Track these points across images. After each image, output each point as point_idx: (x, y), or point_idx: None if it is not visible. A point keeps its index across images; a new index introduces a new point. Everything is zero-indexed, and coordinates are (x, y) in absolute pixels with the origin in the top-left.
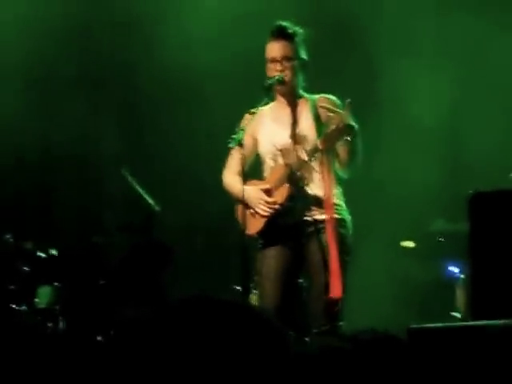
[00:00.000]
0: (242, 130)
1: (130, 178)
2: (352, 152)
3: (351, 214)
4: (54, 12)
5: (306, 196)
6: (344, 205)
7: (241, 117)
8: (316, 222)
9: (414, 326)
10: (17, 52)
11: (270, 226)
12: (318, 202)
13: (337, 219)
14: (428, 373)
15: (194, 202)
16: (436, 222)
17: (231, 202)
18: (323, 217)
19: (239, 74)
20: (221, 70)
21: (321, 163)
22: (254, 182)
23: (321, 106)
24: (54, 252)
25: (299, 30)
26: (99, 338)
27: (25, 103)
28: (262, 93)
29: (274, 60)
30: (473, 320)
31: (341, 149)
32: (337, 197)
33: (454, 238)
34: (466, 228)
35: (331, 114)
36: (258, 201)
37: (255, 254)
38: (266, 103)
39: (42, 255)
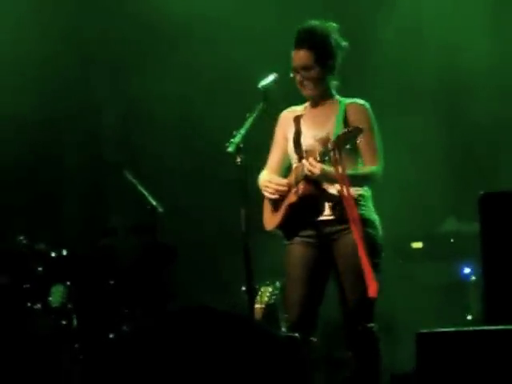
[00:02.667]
0: (240, 133)
1: (132, 180)
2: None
3: None
4: None
5: (325, 195)
6: (371, 205)
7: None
8: (339, 221)
9: (423, 330)
10: None
11: (290, 222)
12: (336, 202)
13: (362, 219)
14: (438, 378)
15: (195, 202)
16: (447, 222)
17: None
18: (337, 217)
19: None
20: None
21: (335, 163)
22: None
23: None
24: (65, 253)
25: (327, 30)
26: (111, 336)
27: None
28: (260, 96)
29: (294, 70)
30: (486, 323)
31: (364, 148)
32: (362, 197)
33: (467, 238)
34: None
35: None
36: (266, 183)
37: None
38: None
39: (55, 255)
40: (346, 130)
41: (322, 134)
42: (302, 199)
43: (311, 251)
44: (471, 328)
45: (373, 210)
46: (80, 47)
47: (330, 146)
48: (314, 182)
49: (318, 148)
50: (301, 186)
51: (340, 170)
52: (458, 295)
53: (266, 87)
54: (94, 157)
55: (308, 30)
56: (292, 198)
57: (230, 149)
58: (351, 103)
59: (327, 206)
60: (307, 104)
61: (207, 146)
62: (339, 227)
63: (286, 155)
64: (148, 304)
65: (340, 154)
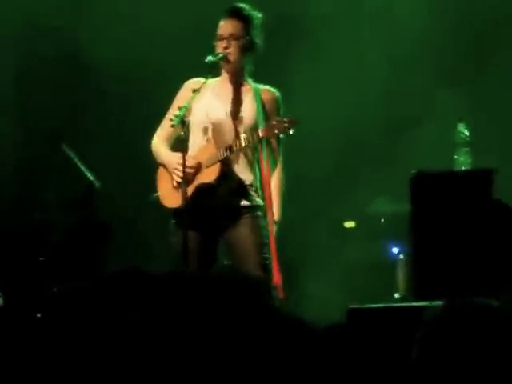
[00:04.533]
0: (185, 107)
1: (70, 154)
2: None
3: (298, 195)
4: None
5: (235, 180)
6: None
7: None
8: (244, 207)
9: (355, 305)
10: None
11: (193, 204)
12: (243, 188)
13: (260, 206)
14: (367, 352)
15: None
16: (377, 202)
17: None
18: (247, 203)
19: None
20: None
21: (261, 152)
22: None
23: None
24: None
25: (256, 13)
26: (38, 315)
27: None
28: (205, 69)
29: (220, 37)
30: (414, 300)
31: (272, 144)
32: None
33: (395, 218)
34: (406, 209)
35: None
36: (176, 165)
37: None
38: (212, 77)
39: None
40: (282, 121)
41: (234, 110)
42: (216, 181)
43: (204, 234)
44: (399, 304)
45: None
46: None
47: (260, 133)
48: (227, 166)
49: (230, 124)
50: (218, 167)
51: (265, 165)
52: (386, 274)
53: (212, 62)
54: (28, 129)
55: (240, 6)
56: (206, 177)
57: (174, 122)
58: (267, 90)
59: (231, 190)
60: (219, 78)
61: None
62: (241, 212)
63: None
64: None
65: (267, 146)
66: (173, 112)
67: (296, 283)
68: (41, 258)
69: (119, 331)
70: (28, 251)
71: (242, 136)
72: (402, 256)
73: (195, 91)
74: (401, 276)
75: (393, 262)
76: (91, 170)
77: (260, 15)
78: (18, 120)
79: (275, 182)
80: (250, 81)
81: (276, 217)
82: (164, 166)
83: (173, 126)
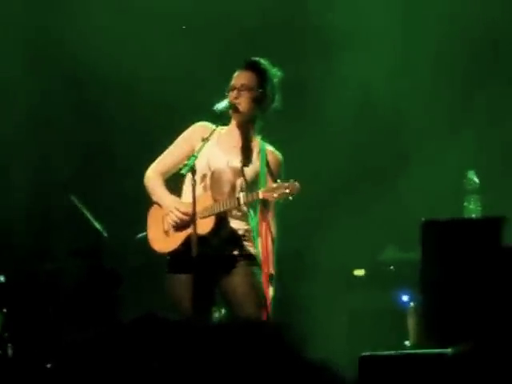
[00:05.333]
0: (195, 156)
1: (78, 204)
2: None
3: (305, 242)
4: None
5: (228, 229)
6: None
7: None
8: (237, 256)
9: (366, 353)
10: None
11: (185, 251)
12: (237, 237)
13: (253, 255)
14: None
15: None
16: (387, 250)
17: None
18: (240, 252)
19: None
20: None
21: (261, 216)
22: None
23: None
24: (1, 278)
25: (274, 70)
26: (48, 366)
27: None
28: (213, 118)
29: (233, 88)
30: (425, 348)
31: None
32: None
33: (406, 266)
34: (416, 256)
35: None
36: (173, 210)
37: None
38: (222, 125)
39: None
40: (283, 186)
41: (236, 163)
42: (210, 234)
43: (195, 281)
44: (410, 352)
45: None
46: None
47: (260, 195)
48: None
49: (229, 176)
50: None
51: (264, 225)
52: (396, 322)
53: (221, 110)
54: (40, 178)
55: (258, 60)
56: (200, 229)
57: (184, 171)
58: (273, 152)
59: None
60: (228, 127)
61: None
62: (235, 262)
63: (180, 164)
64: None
65: (266, 207)
66: (176, 153)
67: (305, 332)
68: (50, 309)
69: (140, 379)
70: (36, 302)
71: (241, 194)
72: (412, 304)
73: (204, 140)
74: (411, 324)
75: (403, 309)
76: (99, 219)
77: (279, 73)
78: (29, 171)
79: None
80: (258, 137)
81: (271, 269)
82: (158, 204)
83: (182, 174)
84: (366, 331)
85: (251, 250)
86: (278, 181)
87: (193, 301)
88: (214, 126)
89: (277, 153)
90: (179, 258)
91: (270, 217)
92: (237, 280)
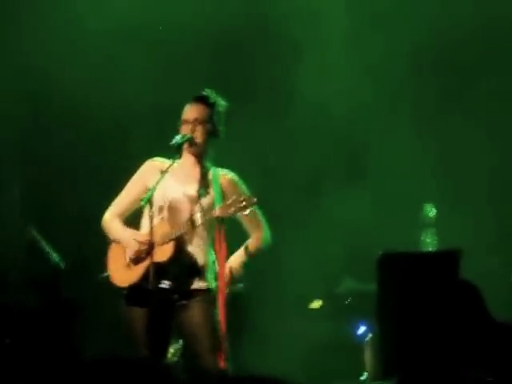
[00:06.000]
0: (154, 188)
1: (36, 236)
2: (260, 225)
3: (259, 277)
4: None
5: (188, 260)
6: None
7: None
8: (195, 290)
9: None
10: None
11: (143, 284)
12: (196, 269)
13: (212, 289)
14: None
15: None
16: (345, 283)
17: None
18: (199, 286)
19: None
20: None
21: (217, 234)
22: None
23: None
24: None
25: (221, 100)
26: None
27: None
28: (171, 151)
29: (185, 122)
30: (381, 380)
31: (246, 219)
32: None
33: (363, 297)
34: (374, 288)
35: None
36: (130, 240)
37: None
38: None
39: None
40: (238, 200)
41: (192, 191)
42: (171, 260)
43: (153, 314)
44: None
45: None
46: None
47: (216, 213)
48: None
49: (186, 205)
50: (171, 246)
51: (221, 244)
52: (353, 354)
53: (179, 144)
54: None
55: (206, 93)
56: (159, 256)
57: (142, 203)
58: (225, 175)
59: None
60: (182, 160)
61: None
62: (193, 296)
63: (137, 202)
64: (49, 362)
65: (222, 225)
66: (130, 193)
67: (260, 364)
68: (7, 340)
69: None
70: None
71: (198, 214)
72: (369, 335)
73: (163, 172)
74: (368, 356)
75: (360, 342)
76: (57, 250)
77: (224, 103)
78: None
79: (252, 241)
80: (209, 165)
81: (234, 271)
82: (117, 242)
83: (142, 206)
84: (322, 363)
85: (209, 283)
86: (233, 197)
87: (149, 334)
88: (166, 160)
89: (229, 174)
90: (137, 291)
91: (260, 229)
92: (193, 317)
